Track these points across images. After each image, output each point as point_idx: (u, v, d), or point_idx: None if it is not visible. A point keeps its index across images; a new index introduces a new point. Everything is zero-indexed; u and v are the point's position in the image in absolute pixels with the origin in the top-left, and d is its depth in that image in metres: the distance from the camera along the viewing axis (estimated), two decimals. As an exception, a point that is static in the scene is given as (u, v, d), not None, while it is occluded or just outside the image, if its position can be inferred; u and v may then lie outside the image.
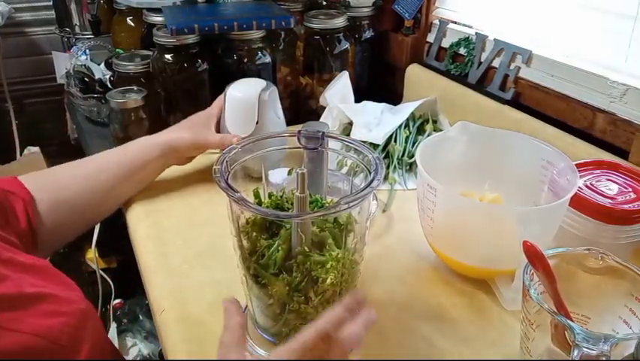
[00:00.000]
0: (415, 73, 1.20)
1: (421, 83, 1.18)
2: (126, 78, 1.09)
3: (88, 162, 0.80)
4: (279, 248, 0.55)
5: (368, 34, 1.24)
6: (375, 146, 0.98)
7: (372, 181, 0.55)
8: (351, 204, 0.53)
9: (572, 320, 0.52)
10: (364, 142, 0.59)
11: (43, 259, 0.59)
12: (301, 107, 1.21)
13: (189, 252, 0.76)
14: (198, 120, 0.88)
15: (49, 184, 0.73)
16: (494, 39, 1.03)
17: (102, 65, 1.27)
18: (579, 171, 0.68)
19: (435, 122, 1.05)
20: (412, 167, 0.96)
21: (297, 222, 0.55)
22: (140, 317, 1.32)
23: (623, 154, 0.82)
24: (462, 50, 1.10)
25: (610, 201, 0.68)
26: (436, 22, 1.17)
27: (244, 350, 0.49)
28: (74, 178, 0.76)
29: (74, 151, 1.35)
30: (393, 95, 1.21)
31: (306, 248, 0.55)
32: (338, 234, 0.57)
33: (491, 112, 1.01)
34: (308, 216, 0.55)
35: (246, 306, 0.62)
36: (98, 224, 0.88)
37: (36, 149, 1.71)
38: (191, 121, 0.89)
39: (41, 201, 0.70)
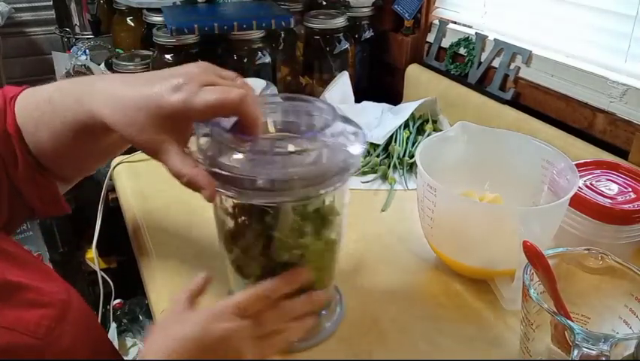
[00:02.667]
0: (415, 73, 1.20)
1: (421, 83, 1.18)
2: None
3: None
4: (259, 233, 0.56)
5: (368, 34, 1.24)
6: (375, 146, 0.98)
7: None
8: (327, 190, 0.53)
9: (571, 320, 0.52)
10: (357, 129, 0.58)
11: (25, 249, 0.57)
12: (301, 108, 1.21)
13: (189, 252, 0.76)
14: (157, 110, 0.50)
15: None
16: (494, 39, 1.03)
17: (102, 65, 1.27)
18: (579, 171, 0.68)
19: (435, 122, 1.05)
20: (412, 167, 0.96)
21: (276, 208, 0.54)
22: (140, 317, 1.32)
23: (623, 154, 0.82)
24: (462, 50, 1.10)
25: (610, 201, 0.68)
26: (436, 22, 1.17)
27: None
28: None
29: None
30: (393, 95, 1.21)
31: (282, 235, 0.54)
32: (318, 223, 0.57)
33: (491, 112, 1.01)
34: (278, 199, 0.53)
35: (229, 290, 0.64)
36: (98, 224, 0.88)
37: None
38: (148, 100, 0.51)
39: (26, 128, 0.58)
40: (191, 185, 0.50)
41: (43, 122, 0.57)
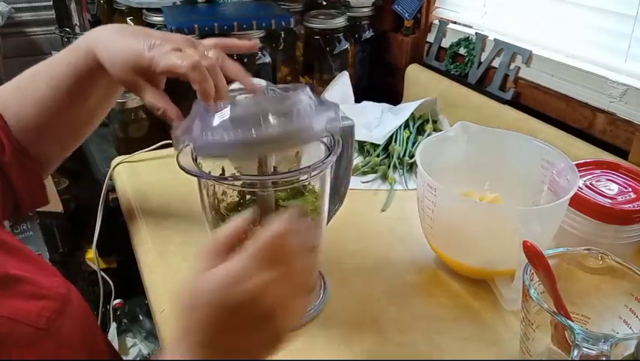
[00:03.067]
0: (415, 73, 1.20)
1: (421, 83, 1.18)
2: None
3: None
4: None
5: (368, 34, 1.24)
6: (375, 146, 0.98)
7: (329, 155, 0.55)
8: (311, 174, 0.55)
9: (571, 320, 0.52)
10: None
11: (25, 245, 0.58)
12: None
13: (189, 251, 0.76)
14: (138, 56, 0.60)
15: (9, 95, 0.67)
16: (494, 39, 1.03)
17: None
18: (579, 171, 0.68)
19: (435, 122, 1.05)
20: (412, 167, 0.96)
21: (260, 196, 0.56)
22: (140, 317, 1.32)
23: (623, 154, 0.82)
24: (462, 50, 1.10)
25: (610, 201, 0.68)
26: (436, 22, 1.17)
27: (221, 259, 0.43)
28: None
29: (74, 151, 1.35)
30: (393, 95, 1.21)
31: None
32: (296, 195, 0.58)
33: (491, 112, 1.01)
34: (257, 178, 0.55)
35: None
36: (98, 224, 0.88)
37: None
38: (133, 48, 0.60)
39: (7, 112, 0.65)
40: (164, 115, 0.60)
41: (27, 95, 0.65)
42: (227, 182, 0.57)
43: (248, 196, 0.60)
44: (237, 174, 0.59)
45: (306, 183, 0.60)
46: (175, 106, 0.60)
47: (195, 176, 0.54)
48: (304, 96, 0.54)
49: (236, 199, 0.60)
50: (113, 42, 0.61)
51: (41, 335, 0.48)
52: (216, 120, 0.52)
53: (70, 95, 0.65)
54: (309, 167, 0.54)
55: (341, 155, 0.60)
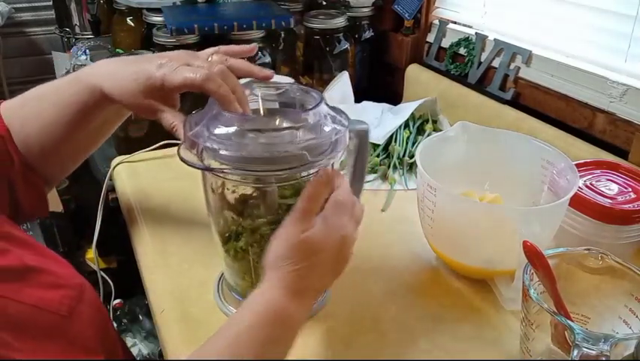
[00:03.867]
0: (415, 73, 1.20)
1: (421, 83, 1.18)
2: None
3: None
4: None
5: (368, 34, 1.24)
6: (376, 146, 0.98)
7: (331, 152, 0.55)
8: (310, 172, 0.56)
9: (571, 320, 0.52)
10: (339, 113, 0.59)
11: (34, 239, 0.60)
12: (301, 108, 1.22)
13: (189, 251, 0.76)
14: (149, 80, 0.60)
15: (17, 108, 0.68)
16: (494, 39, 1.03)
17: (102, 65, 1.27)
18: (579, 171, 0.68)
19: (435, 122, 1.05)
20: (412, 167, 0.96)
21: (265, 192, 0.58)
22: (140, 317, 1.32)
23: (623, 154, 0.82)
24: (462, 50, 1.10)
25: (610, 201, 0.68)
26: (436, 22, 1.17)
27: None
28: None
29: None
30: (393, 95, 1.21)
31: (265, 219, 0.57)
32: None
33: (491, 112, 1.01)
34: (251, 173, 0.55)
35: (222, 274, 0.67)
36: (98, 224, 0.88)
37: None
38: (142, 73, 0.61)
39: (13, 126, 0.65)
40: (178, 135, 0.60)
41: (31, 117, 0.65)
42: (226, 175, 0.57)
43: (252, 192, 0.60)
44: None
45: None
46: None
47: (194, 167, 0.54)
48: (323, 107, 0.56)
49: (246, 192, 0.60)
50: (118, 73, 0.62)
51: (64, 322, 0.50)
52: (222, 128, 0.54)
53: (74, 122, 0.66)
54: (312, 162, 0.54)
55: (356, 158, 0.61)
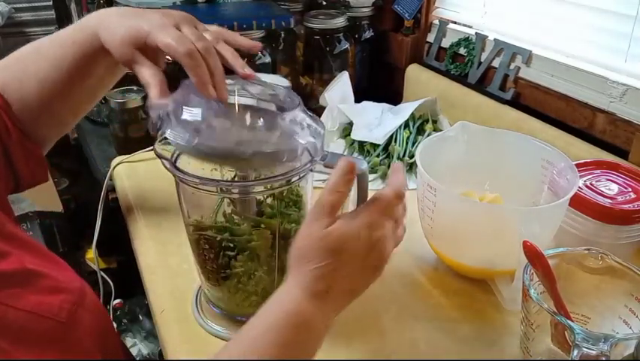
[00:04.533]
0: (415, 73, 1.20)
1: (421, 83, 1.18)
2: (126, 78, 1.09)
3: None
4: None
5: (368, 34, 1.24)
6: (375, 146, 0.98)
7: (310, 161, 0.54)
8: (291, 180, 0.54)
9: (571, 320, 0.52)
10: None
11: (34, 240, 0.59)
12: (301, 108, 1.22)
13: (189, 252, 0.76)
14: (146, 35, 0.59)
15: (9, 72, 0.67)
16: (494, 39, 1.03)
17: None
18: (579, 171, 0.68)
19: (435, 122, 1.05)
20: (412, 167, 0.96)
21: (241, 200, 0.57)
22: (140, 317, 1.32)
23: (623, 154, 0.82)
24: (462, 50, 1.10)
25: (610, 201, 0.68)
26: (436, 22, 1.17)
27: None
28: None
29: (74, 151, 1.35)
30: (393, 95, 1.21)
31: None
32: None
33: (491, 112, 1.01)
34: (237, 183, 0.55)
35: (199, 287, 0.66)
36: (98, 224, 0.88)
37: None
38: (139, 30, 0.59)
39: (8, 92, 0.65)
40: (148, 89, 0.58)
41: (29, 74, 0.65)
42: (198, 184, 0.56)
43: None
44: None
45: (299, 196, 0.60)
46: (166, 88, 0.58)
47: (166, 168, 0.54)
48: (300, 114, 0.54)
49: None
50: (115, 22, 0.61)
51: (63, 328, 0.49)
52: (187, 114, 0.51)
53: (72, 76, 0.65)
54: (287, 173, 0.53)
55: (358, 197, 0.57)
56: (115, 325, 1.29)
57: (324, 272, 0.47)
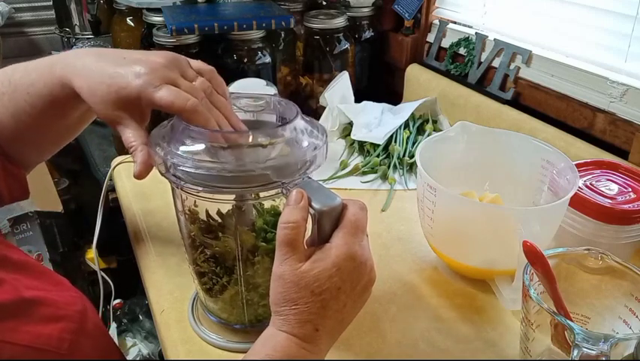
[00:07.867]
0: (415, 73, 1.20)
1: (421, 83, 1.18)
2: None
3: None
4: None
5: (368, 34, 1.24)
6: (375, 146, 0.98)
7: (305, 171, 0.52)
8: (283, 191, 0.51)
9: (571, 320, 0.52)
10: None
11: (33, 259, 0.57)
12: (301, 108, 1.21)
13: (189, 252, 0.76)
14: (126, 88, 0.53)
15: None
16: (494, 39, 1.03)
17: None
18: (579, 171, 0.68)
19: (435, 122, 1.05)
20: (412, 167, 0.96)
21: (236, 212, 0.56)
22: (140, 317, 1.32)
23: (623, 154, 0.82)
24: (462, 50, 1.10)
25: (610, 201, 0.68)
26: (436, 22, 1.17)
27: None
28: None
29: (74, 151, 1.35)
30: (393, 95, 1.21)
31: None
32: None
33: (491, 112, 1.01)
34: (231, 187, 0.52)
35: (196, 293, 0.65)
36: (98, 224, 0.88)
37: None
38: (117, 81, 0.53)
39: None
40: (133, 157, 0.54)
41: (3, 104, 0.59)
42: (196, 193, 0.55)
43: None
44: None
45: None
46: (150, 152, 0.54)
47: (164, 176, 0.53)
48: (300, 122, 0.54)
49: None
50: (92, 72, 0.54)
51: (64, 360, 0.47)
52: (191, 144, 0.50)
53: (47, 115, 0.60)
54: (283, 182, 0.51)
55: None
56: (115, 325, 1.29)
57: (310, 313, 0.45)
